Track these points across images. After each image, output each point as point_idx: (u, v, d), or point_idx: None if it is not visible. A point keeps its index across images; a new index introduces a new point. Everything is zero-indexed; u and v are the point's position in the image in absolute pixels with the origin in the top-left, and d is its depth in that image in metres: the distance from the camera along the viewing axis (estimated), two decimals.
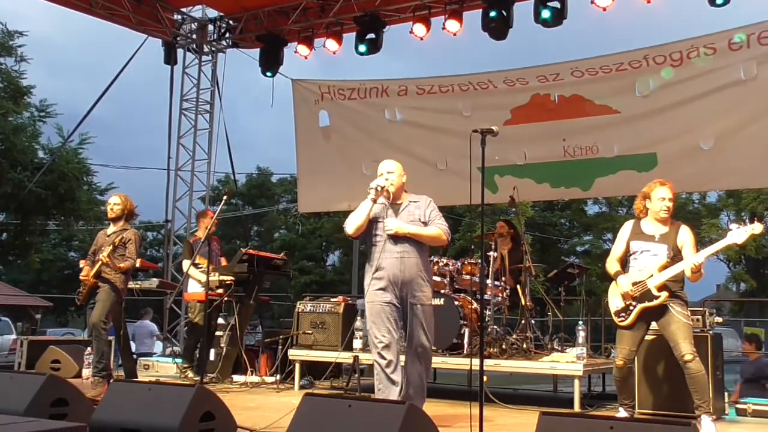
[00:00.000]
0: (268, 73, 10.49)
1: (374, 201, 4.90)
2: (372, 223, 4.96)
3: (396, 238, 4.85)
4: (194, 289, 7.94)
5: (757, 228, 4.85)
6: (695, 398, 4.93)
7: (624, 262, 5.30)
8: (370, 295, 4.83)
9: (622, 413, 5.17)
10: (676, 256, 5.05)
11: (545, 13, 8.28)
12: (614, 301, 5.22)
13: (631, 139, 8.69)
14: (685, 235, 5.11)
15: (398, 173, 5.03)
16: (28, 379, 4.44)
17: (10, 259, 24.55)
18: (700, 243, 5.13)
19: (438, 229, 4.97)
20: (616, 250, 5.32)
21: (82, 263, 6.90)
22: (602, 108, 8.82)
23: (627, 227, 5.34)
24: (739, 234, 4.87)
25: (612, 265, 5.29)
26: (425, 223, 4.98)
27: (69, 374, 7.37)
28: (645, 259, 5.13)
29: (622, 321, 5.13)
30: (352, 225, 4.92)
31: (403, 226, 4.83)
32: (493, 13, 8.54)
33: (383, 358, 4.73)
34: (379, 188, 4.87)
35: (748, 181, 8.90)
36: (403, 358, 4.95)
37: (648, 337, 5.37)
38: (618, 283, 5.19)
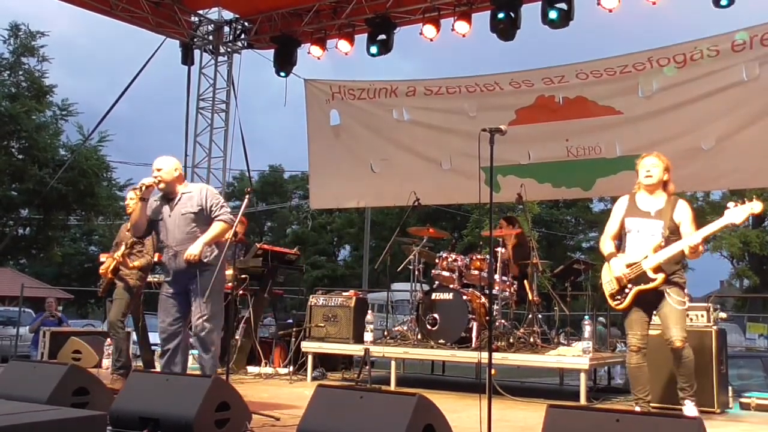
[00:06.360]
0: (282, 73, 10.60)
1: (142, 199, 5.13)
2: (154, 222, 5.26)
3: (176, 235, 5.15)
4: None
5: (756, 207, 4.62)
6: (680, 381, 4.89)
7: (619, 239, 5.13)
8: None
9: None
10: (673, 234, 4.86)
11: (552, 14, 8.33)
12: (609, 283, 5.05)
13: (634, 140, 8.58)
14: (683, 211, 4.91)
15: (168, 169, 5.20)
16: (50, 369, 4.54)
17: (33, 252, 25.02)
18: (704, 240, 4.91)
19: (220, 223, 5.17)
20: (610, 227, 5.13)
21: (102, 257, 6.97)
22: (606, 109, 8.76)
23: (622, 203, 5.17)
24: (736, 213, 4.67)
25: (606, 244, 5.11)
26: (201, 211, 5.17)
27: (89, 364, 7.53)
28: (640, 238, 4.93)
29: (618, 304, 4.99)
30: (131, 225, 5.35)
31: (194, 252, 5.03)
32: (501, 15, 8.65)
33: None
34: (143, 187, 5.10)
35: (748, 180, 8.74)
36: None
37: (653, 332, 5.17)
38: (611, 267, 5.00)
